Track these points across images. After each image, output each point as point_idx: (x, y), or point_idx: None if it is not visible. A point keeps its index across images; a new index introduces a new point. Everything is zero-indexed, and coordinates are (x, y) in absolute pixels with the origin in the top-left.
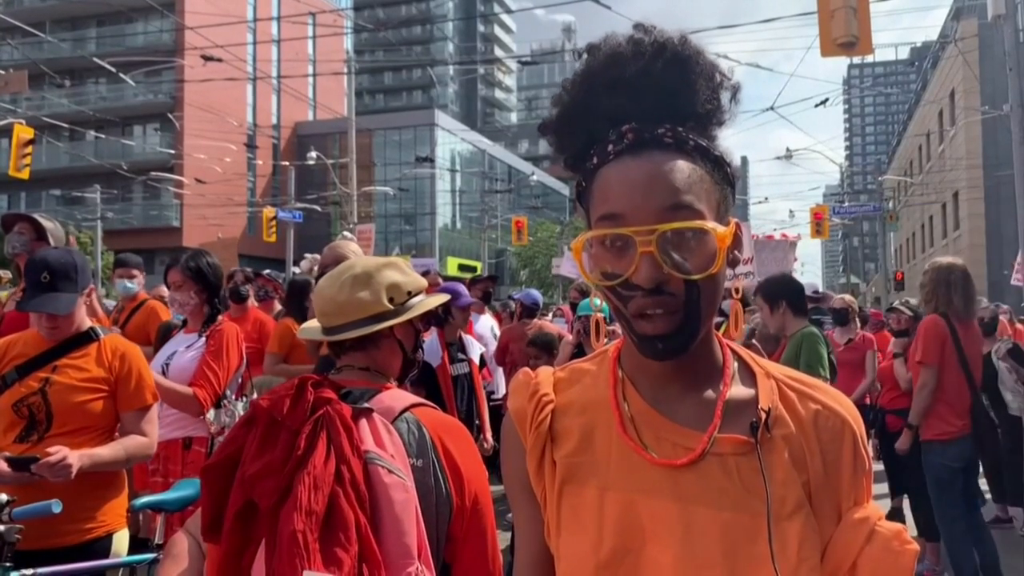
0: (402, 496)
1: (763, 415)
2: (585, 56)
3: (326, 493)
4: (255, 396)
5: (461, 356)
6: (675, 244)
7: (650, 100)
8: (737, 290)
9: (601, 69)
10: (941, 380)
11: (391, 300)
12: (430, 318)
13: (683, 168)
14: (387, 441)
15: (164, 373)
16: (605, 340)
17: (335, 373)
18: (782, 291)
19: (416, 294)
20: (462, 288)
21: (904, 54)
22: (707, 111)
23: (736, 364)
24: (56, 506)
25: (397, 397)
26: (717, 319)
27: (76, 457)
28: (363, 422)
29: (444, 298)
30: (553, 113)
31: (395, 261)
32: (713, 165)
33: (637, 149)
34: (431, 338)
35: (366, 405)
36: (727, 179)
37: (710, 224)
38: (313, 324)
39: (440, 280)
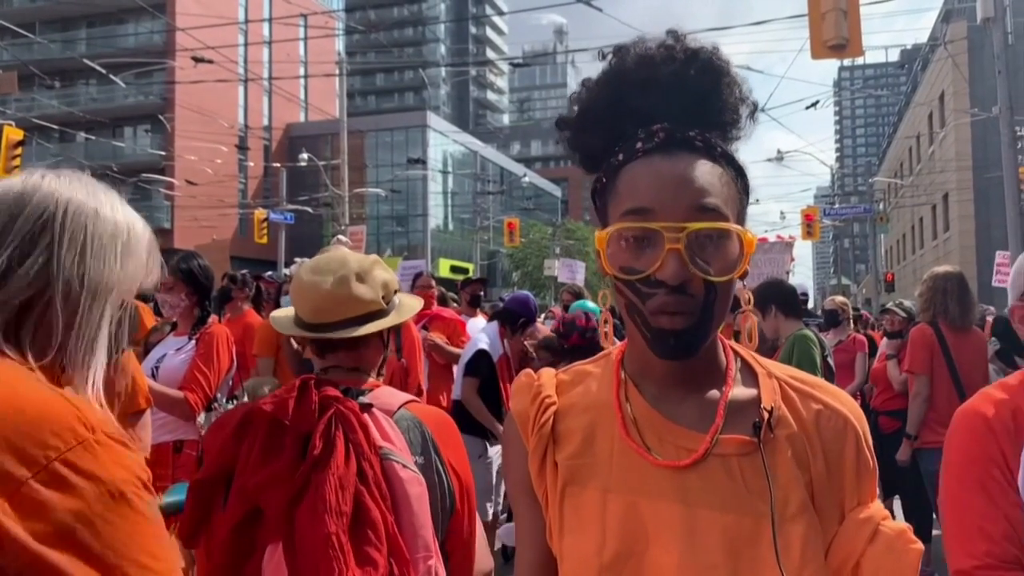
0: (418, 490)
1: (766, 415)
2: (612, 57)
3: (352, 493)
4: (245, 399)
5: None
6: (700, 244)
7: (681, 103)
8: (749, 300)
9: (632, 69)
10: (930, 389)
11: (383, 298)
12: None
13: (713, 171)
14: (393, 436)
15: (154, 376)
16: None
17: (322, 374)
18: (770, 296)
19: (396, 291)
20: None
21: (894, 56)
22: (731, 121)
23: (738, 364)
24: None
25: (392, 394)
26: None
27: None
28: (366, 418)
29: (419, 301)
30: (574, 109)
31: (378, 259)
32: (736, 173)
33: (668, 149)
34: (492, 331)
35: (367, 400)
36: (746, 189)
37: (739, 228)
38: (285, 316)
39: (433, 283)
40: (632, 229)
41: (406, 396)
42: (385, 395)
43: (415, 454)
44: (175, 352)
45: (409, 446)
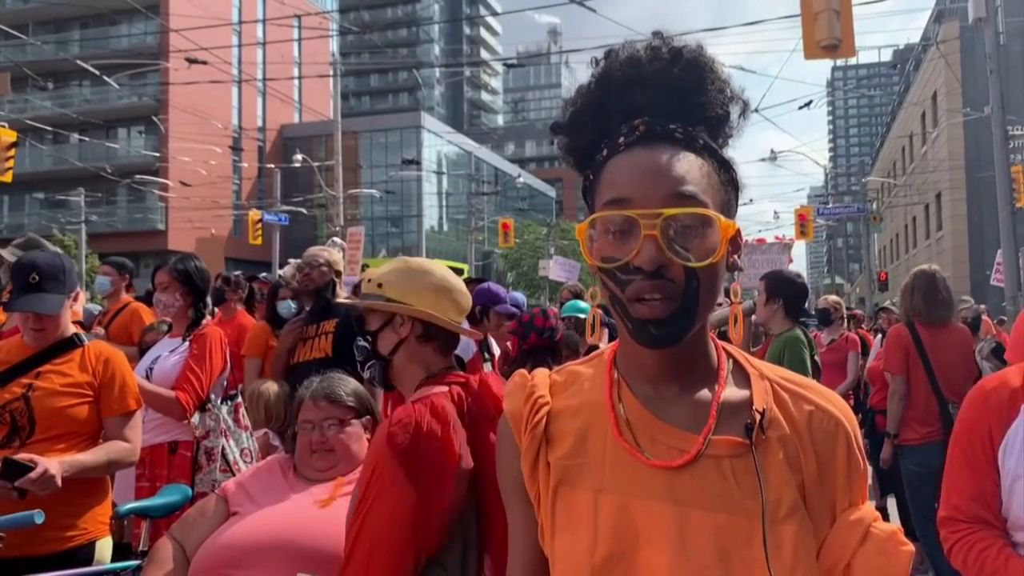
0: None
1: (758, 417)
2: (602, 61)
3: None
4: (239, 400)
5: (486, 355)
6: (678, 231)
7: (664, 99)
8: (736, 292)
9: (619, 69)
10: (906, 387)
11: None
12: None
13: (691, 160)
14: None
15: (148, 377)
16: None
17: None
18: (783, 289)
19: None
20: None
21: (887, 56)
22: (717, 116)
23: (730, 365)
24: (39, 517)
25: None
26: None
27: (57, 467)
28: None
29: None
30: (567, 114)
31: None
32: (720, 165)
33: (648, 141)
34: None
35: None
36: (733, 183)
37: (713, 212)
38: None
39: None
40: (610, 218)
41: None
42: None
43: None
44: (169, 353)
45: None
